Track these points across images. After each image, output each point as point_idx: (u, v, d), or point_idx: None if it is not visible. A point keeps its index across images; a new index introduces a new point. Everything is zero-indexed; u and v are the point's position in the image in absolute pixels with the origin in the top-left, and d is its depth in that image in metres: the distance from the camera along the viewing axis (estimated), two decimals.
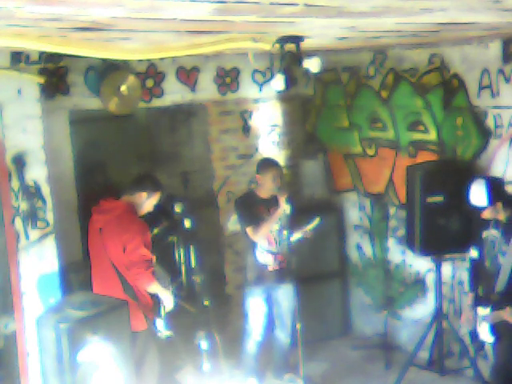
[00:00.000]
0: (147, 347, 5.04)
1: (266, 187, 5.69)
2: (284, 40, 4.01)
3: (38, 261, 4.68)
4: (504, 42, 5.33)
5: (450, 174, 5.63)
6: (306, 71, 4.27)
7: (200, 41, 4.02)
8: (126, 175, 5.91)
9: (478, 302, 4.89)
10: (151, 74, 6.17)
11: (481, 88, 5.59)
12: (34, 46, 3.63)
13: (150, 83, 6.17)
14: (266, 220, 5.59)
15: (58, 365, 4.16)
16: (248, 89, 6.80)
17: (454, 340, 6.00)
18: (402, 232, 6.41)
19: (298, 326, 5.50)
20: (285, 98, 6.98)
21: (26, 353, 4.66)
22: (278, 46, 4.05)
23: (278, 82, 4.27)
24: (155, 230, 5.81)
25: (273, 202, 5.61)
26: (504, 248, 4.70)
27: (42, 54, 4.46)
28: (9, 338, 4.69)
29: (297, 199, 6.17)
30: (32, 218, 4.62)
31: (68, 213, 5.56)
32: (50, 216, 4.73)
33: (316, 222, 5.73)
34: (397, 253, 6.68)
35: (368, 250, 7.06)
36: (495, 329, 4.72)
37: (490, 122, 5.58)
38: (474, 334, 4.97)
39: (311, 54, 4.28)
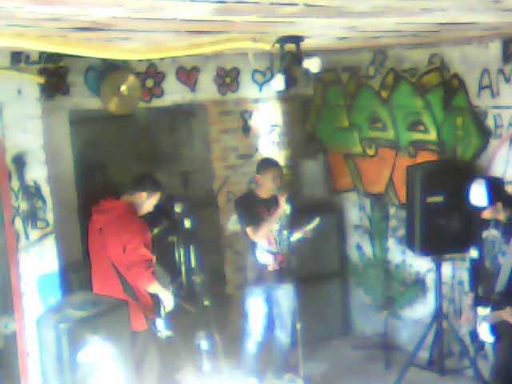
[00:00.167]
0: (147, 347, 5.04)
1: (266, 187, 5.69)
2: (284, 40, 4.01)
3: (38, 261, 4.68)
4: (504, 42, 5.33)
5: (450, 173, 5.63)
6: (306, 71, 4.27)
7: (200, 41, 4.02)
8: (126, 175, 5.90)
9: (478, 302, 4.89)
10: (151, 74, 6.18)
11: (481, 88, 5.59)
12: (34, 46, 3.63)
13: (149, 83, 6.17)
14: (265, 220, 5.59)
15: (58, 365, 4.16)
16: (248, 89, 6.80)
17: (453, 340, 6.00)
18: (401, 232, 6.41)
19: (298, 326, 5.50)
20: (285, 98, 6.98)
21: (25, 353, 4.66)
22: (277, 46, 4.05)
23: (278, 82, 4.27)
24: (155, 230, 5.82)
25: (273, 202, 5.61)
26: (504, 248, 4.70)
27: (42, 54, 4.46)
28: (9, 338, 4.69)
29: (297, 199, 6.17)
30: (32, 218, 4.62)
31: (68, 213, 5.56)
32: (50, 216, 4.73)
33: (316, 221, 5.73)
34: (397, 253, 6.68)
35: (368, 250, 7.06)
36: (495, 329, 4.72)
37: (490, 122, 5.58)
38: (473, 334, 4.97)
39: (311, 53, 4.28)
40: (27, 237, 4.62)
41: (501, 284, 4.69)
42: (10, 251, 4.58)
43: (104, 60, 5.39)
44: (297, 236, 5.75)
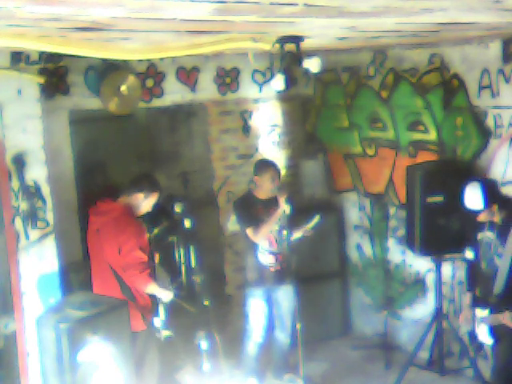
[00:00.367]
0: (147, 347, 5.04)
1: (265, 188, 5.69)
2: (284, 40, 4.00)
3: (38, 261, 4.68)
4: (504, 42, 5.33)
5: (450, 174, 5.62)
6: (306, 71, 4.27)
7: (200, 41, 4.02)
8: (126, 175, 5.90)
9: (476, 303, 4.89)
10: (151, 74, 6.17)
11: (481, 88, 5.59)
12: (34, 46, 3.63)
13: (149, 83, 6.17)
14: (265, 221, 5.59)
15: (58, 365, 4.16)
16: (248, 89, 6.80)
17: (453, 340, 6.00)
18: (401, 232, 6.41)
19: (298, 326, 5.50)
20: (285, 98, 6.98)
21: (25, 353, 4.65)
22: (277, 46, 4.04)
23: (278, 82, 4.27)
24: (155, 230, 5.81)
25: (272, 203, 5.60)
26: (500, 250, 4.69)
27: (42, 54, 4.46)
28: (9, 338, 4.69)
29: (297, 199, 6.17)
30: (32, 218, 4.62)
31: (68, 213, 5.56)
32: (50, 216, 4.73)
33: (316, 220, 5.72)
34: (397, 253, 6.68)
35: (368, 250, 7.05)
36: (494, 331, 4.72)
37: (490, 122, 5.58)
38: (472, 335, 4.97)
39: (311, 53, 4.28)
40: (27, 237, 4.61)
41: (498, 286, 4.68)
42: (10, 251, 4.57)
43: (104, 60, 5.39)
44: (297, 235, 5.75)
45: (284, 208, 5.52)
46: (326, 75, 6.88)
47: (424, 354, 6.10)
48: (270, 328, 5.96)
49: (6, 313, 4.67)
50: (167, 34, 3.58)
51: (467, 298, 5.13)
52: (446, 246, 5.61)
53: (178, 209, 5.63)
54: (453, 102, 5.87)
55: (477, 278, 4.99)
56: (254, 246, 5.70)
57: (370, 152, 6.84)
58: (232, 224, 6.49)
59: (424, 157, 6.18)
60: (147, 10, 2.60)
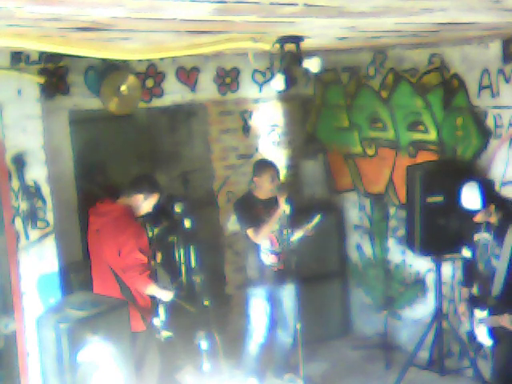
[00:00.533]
0: (147, 348, 5.04)
1: (265, 188, 5.69)
2: (284, 40, 4.00)
3: (38, 261, 4.68)
4: (504, 41, 5.33)
5: (450, 174, 5.62)
6: (306, 71, 4.27)
7: (200, 41, 4.02)
8: (126, 175, 5.90)
9: (475, 304, 4.88)
10: (151, 74, 6.17)
11: (481, 88, 5.59)
12: (34, 46, 3.63)
13: (150, 83, 6.17)
14: (265, 221, 5.59)
15: (58, 365, 4.16)
16: (248, 89, 6.80)
17: (453, 340, 6.00)
18: (401, 232, 6.41)
19: (298, 326, 5.51)
20: (285, 98, 6.98)
21: (26, 353, 4.66)
22: (277, 46, 4.04)
23: (278, 82, 4.27)
24: (155, 230, 5.81)
25: (272, 203, 5.60)
26: (497, 251, 4.69)
27: (42, 54, 4.46)
28: (9, 338, 4.69)
29: (297, 199, 6.17)
30: (32, 218, 4.62)
31: (68, 213, 5.56)
32: (50, 216, 4.73)
33: (317, 219, 5.72)
34: (397, 253, 6.68)
35: (368, 250, 7.05)
36: (493, 332, 4.71)
37: (490, 122, 5.58)
38: (472, 335, 4.97)
39: (311, 53, 4.28)
40: (27, 237, 4.62)
41: (496, 288, 4.68)
42: (10, 251, 4.58)
43: (104, 60, 5.39)
44: (298, 234, 5.75)
45: (284, 208, 5.52)
46: (326, 75, 6.88)
47: (424, 354, 6.09)
48: (272, 328, 5.96)
49: (6, 313, 4.67)
50: (167, 33, 3.58)
51: (463, 293, 5.13)
52: (445, 245, 5.61)
53: (177, 209, 5.63)
54: (453, 102, 5.87)
55: (474, 278, 4.98)
56: (255, 246, 5.70)
57: (370, 152, 6.84)
58: (232, 224, 6.49)
59: (424, 157, 6.18)
60: (147, 9, 2.60)
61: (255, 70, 6.70)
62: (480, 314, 4.75)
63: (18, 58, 4.40)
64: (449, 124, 5.95)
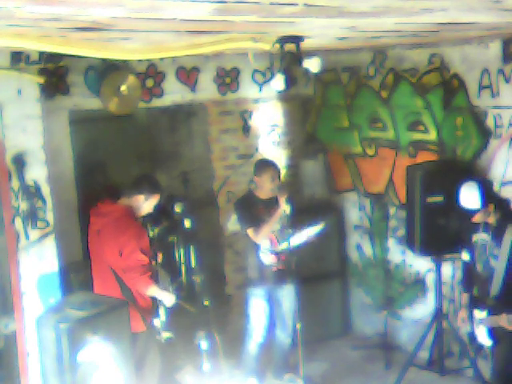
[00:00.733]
0: (148, 348, 5.03)
1: (265, 188, 5.69)
2: (284, 40, 4.00)
3: (38, 261, 4.68)
4: (504, 41, 5.33)
5: (450, 173, 5.61)
6: (306, 71, 4.27)
7: (200, 41, 4.02)
8: (126, 175, 5.90)
9: (475, 304, 4.88)
10: (151, 74, 6.18)
11: (481, 88, 5.59)
12: (34, 46, 3.63)
13: (149, 83, 6.17)
14: (266, 221, 5.59)
15: (58, 365, 4.16)
16: (248, 89, 6.80)
17: (453, 340, 6.00)
18: (401, 232, 6.41)
19: (298, 326, 5.50)
20: (285, 98, 6.98)
21: (25, 353, 4.66)
22: (277, 46, 4.05)
23: (278, 82, 4.27)
24: (155, 230, 5.81)
25: (272, 203, 5.60)
26: (496, 252, 4.68)
27: (42, 54, 4.46)
28: (9, 338, 4.69)
29: (297, 199, 6.17)
30: (32, 218, 4.62)
31: (68, 213, 5.56)
32: (50, 216, 4.73)
33: (320, 227, 5.71)
34: (397, 253, 6.68)
35: (368, 250, 7.05)
36: (493, 332, 4.71)
37: (490, 122, 5.58)
38: (472, 336, 4.96)
39: (311, 53, 4.28)
40: (27, 237, 4.62)
41: (495, 288, 4.67)
42: (10, 251, 4.58)
43: (104, 60, 5.39)
44: (299, 239, 5.72)
45: (284, 208, 5.51)
46: (326, 75, 6.88)
47: (424, 354, 6.09)
48: (271, 328, 5.96)
49: (6, 313, 4.67)
50: (167, 33, 3.58)
51: (463, 299, 5.13)
52: (445, 246, 5.60)
53: (178, 209, 5.63)
54: (453, 102, 5.87)
55: (473, 279, 4.98)
56: (255, 246, 5.70)
57: (370, 152, 6.84)
58: (232, 224, 6.49)
59: (424, 157, 6.18)
60: (147, 9, 2.60)
61: (255, 70, 6.70)
62: (479, 314, 4.75)
63: (18, 58, 4.39)
64: (449, 124, 5.95)
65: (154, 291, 4.98)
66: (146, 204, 5.07)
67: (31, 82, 4.61)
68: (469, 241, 4.91)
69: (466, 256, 5.00)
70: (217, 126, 6.81)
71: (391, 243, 6.74)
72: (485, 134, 5.63)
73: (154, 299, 5.04)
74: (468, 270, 5.05)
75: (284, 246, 5.62)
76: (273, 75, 4.33)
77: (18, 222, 4.58)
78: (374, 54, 6.50)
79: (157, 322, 5.05)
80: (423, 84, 6.08)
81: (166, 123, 7.73)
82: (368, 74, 6.65)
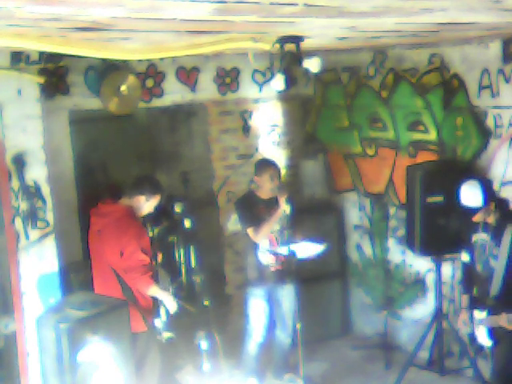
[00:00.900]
0: (148, 348, 5.03)
1: (265, 188, 5.69)
2: (284, 40, 4.00)
3: (38, 261, 4.68)
4: (504, 42, 5.33)
5: (450, 173, 5.61)
6: (306, 71, 4.27)
7: (200, 41, 4.02)
8: (126, 175, 5.90)
9: (474, 305, 4.88)
10: (151, 74, 6.18)
11: (481, 88, 5.59)
12: (34, 46, 3.63)
13: (149, 83, 6.17)
14: (266, 221, 5.59)
15: (57, 365, 4.16)
16: (248, 89, 6.80)
17: (453, 340, 5.99)
18: (401, 232, 6.41)
19: (298, 326, 5.50)
20: (285, 97, 6.98)
21: (26, 353, 4.66)
22: (277, 46, 4.05)
23: (278, 82, 4.27)
24: (155, 230, 5.81)
25: (273, 203, 5.60)
26: (495, 251, 4.68)
27: (42, 54, 4.46)
28: (9, 338, 4.69)
29: (297, 199, 6.17)
30: (32, 218, 4.62)
31: (68, 213, 5.56)
32: (50, 216, 4.73)
33: (322, 247, 5.71)
34: (397, 253, 6.68)
35: (368, 250, 7.05)
36: (493, 333, 4.71)
37: (490, 122, 5.58)
38: (472, 337, 4.96)
39: (311, 53, 4.28)
40: (27, 237, 4.62)
41: (495, 288, 4.67)
42: (10, 251, 4.58)
43: (104, 60, 5.39)
44: (301, 253, 5.69)
45: (284, 208, 5.52)
46: (326, 75, 6.88)
47: (424, 354, 6.09)
48: (271, 328, 5.96)
49: (6, 313, 4.67)
50: (167, 33, 3.58)
51: (463, 301, 5.12)
52: (445, 246, 5.60)
53: (178, 209, 5.64)
54: (453, 102, 5.87)
55: (473, 280, 4.98)
56: (254, 246, 5.70)
57: (370, 152, 6.84)
58: (232, 224, 6.50)
59: (424, 157, 6.18)
60: (147, 9, 2.60)
61: (255, 70, 6.70)
62: (479, 314, 4.74)
63: (18, 58, 4.39)
64: (449, 124, 5.95)
65: (155, 291, 4.98)
66: (147, 204, 5.07)
67: (31, 82, 4.61)
68: (468, 241, 4.91)
69: (465, 257, 5.00)
70: (217, 126, 6.81)
71: (391, 243, 6.74)
72: (485, 134, 5.63)
73: (154, 299, 5.04)
74: (468, 270, 5.04)
75: (284, 250, 5.61)
76: (273, 75, 4.33)
77: (18, 222, 4.58)
78: (374, 54, 6.50)
79: (158, 322, 5.05)
80: (423, 84, 6.08)
81: (165, 123, 7.72)
82: (368, 74, 6.65)
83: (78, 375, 4.17)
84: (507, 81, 5.37)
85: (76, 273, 5.43)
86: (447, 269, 6.04)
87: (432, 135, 6.13)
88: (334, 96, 7.12)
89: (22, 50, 4.24)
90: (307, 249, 5.67)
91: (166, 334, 5.07)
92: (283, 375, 6.13)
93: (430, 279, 6.28)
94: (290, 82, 4.24)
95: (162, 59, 6.02)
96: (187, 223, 5.62)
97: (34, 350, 4.57)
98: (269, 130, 7.06)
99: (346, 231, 7.23)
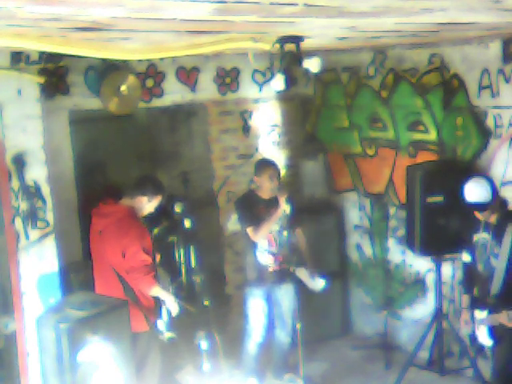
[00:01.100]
0: (149, 348, 5.03)
1: (265, 188, 5.69)
2: (284, 40, 4.00)
3: (38, 261, 4.68)
4: (504, 41, 5.33)
5: (450, 173, 5.62)
6: (306, 71, 4.27)
7: (200, 41, 4.02)
8: (126, 175, 5.90)
9: (475, 304, 4.88)
10: (151, 74, 6.17)
11: (481, 88, 5.59)
12: (34, 46, 3.63)
13: (149, 83, 6.17)
14: (266, 220, 5.59)
15: (57, 365, 4.16)
16: (248, 89, 6.80)
17: (454, 340, 5.99)
18: (401, 232, 6.41)
19: (298, 325, 5.51)
20: (285, 97, 6.98)
21: (26, 353, 4.66)
22: (277, 46, 4.04)
23: (278, 82, 4.27)
24: (155, 230, 5.81)
25: (273, 203, 5.61)
26: (496, 250, 4.68)
27: (42, 54, 4.46)
28: (9, 338, 4.69)
29: (297, 199, 6.17)
30: (32, 218, 4.62)
31: (68, 213, 5.55)
32: (50, 216, 4.73)
33: (323, 284, 5.80)
34: (397, 253, 6.68)
35: (368, 250, 7.05)
36: (494, 332, 4.71)
37: (490, 122, 5.58)
38: (473, 337, 4.96)
39: (311, 53, 4.28)
40: (27, 237, 4.61)
41: (495, 287, 4.67)
42: (10, 251, 4.58)
43: (104, 60, 5.39)
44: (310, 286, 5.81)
45: (284, 208, 5.52)
46: (326, 75, 6.88)
47: (424, 354, 6.09)
48: (270, 327, 5.96)
49: (6, 313, 4.67)
50: (167, 33, 3.58)
51: (464, 301, 5.12)
52: (445, 246, 5.61)
53: (178, 209, 5.64)
54: (453, 102, 5.87)
55: (474, 279, 4.98)
56: (253, 245, 5.71)
57: (370, 152, 6.84)
58: (232, 224, 6.50)
59: (424, 157, 6.18)
60: (147, 9, 2.60)
61: (255, 70, 6.70)
62: (480, 314, 4.74)
63: (18, 58, 4.39)
64: (449, 124, 5.95)
65: (157, 291, 4.98)
66: (149, 205, 5.07)
67: (31, 82, 4.61)
68: (470, 241, 4.91)
69: (466, 257, 5.00)
70: (217, 126, 6.81)
71: (391, 243, 6.74)
72: (485, 134, 5.63)
73: (156, 299, 5.04)
74: (469, 271, 5.05)
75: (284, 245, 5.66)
76: (273, 75, 4.33)
77: (18, 222, 4.58)
78: (374, 54, 6.50)
79: (160, 322, 5.05)
80: (423, 84, 6.08)
81: (165, 123, 7.73)
82: (368, 74, 6.65)
83: (78, 375, 4.17)
84: (507, 81, 5.37)
85: (76, 273, 5.43)
86: (447, 269, 6.04)
87: (432, 135, 6.13)
88: (333, 96, 7.12)
89: (22, 49, 4.24)
90: (310, 282, 5.79)
91: (168, 334, 5.07)
92: (283, 375, 6.13)
93: (430, 279, 6.28)
94: (290, 81, 4.24)
95: (162, 59, 6.02)
96: (187, 223, 5.62)
97: (34, 350, 4.57)
98: (269, 130, 7.06)
99: (345, 231, 7.23)
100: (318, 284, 5.83)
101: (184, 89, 6.41)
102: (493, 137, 5.57)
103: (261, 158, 6.48)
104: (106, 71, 5.64)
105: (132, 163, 7.33)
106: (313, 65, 4.23)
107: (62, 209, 5.21)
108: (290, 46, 4.09)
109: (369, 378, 6.25)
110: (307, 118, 7.43)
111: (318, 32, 4.00)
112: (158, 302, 5.05)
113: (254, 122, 6.95)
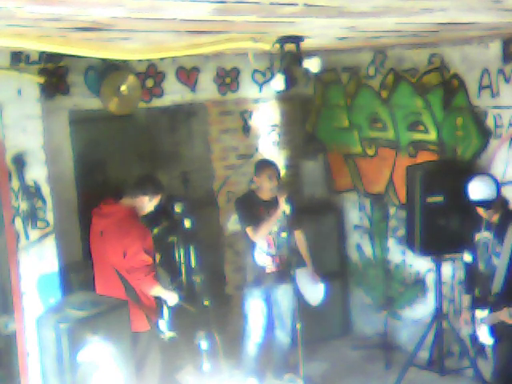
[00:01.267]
0: (150, 348, 5.03)
1: (265, 188, 5.69)
2: (284, 40, 4.01)
3: (38, 261, 4.68)
4: (504, 42, 5.33)
5: (450, 173, 5.62)
6: (306, 71, 4.27)
7: (200, 41, 4.02)
8: (127, 175, 5.91)
9: (476, 304, 4.88)
10: (151, 74, 6.17)
11: (481, 88, 5.59)
12: (34, 46, 3.63)
13: (149, 83, 6.17)
14: (266, 220, 5.59)
15: (57, 365, 4.16)
16: (248, 89, 6.80)
17: (454, 340, 5.99)
18: (401, 232, 6.41)
19: (298, 326, 5.50)
20: (285, 98, 6.98)
21: (26, 353, 4.66)
22: (277, 46, 4.05)
23: (278, 82, 4.27)
24: (155, 230, 5.81)
25: (273, 203, 5.60)
26: (498, 249, 4.69)
27: (41, 54, 4.46)
28: (9, 338, 4.69)
29: (297, 199, 6.17)
30: (32, 218, 4.62)
31: (68, 213, 5.55)
32: (50, 216, 4.73)
33: (322, 294, 5.90)
34: (397, 253, 6.68)
35: (368, 250, 7.05)
36: (494, 331, 4.71)
37: (490, 122, 5.58)
38: (473, 337, 4.96)
39: (311, 53, 4.28)
40: (27, 237, 4.61)
41: (496, 286, 4.68)
42: (10, 251, 4.58)
43: (104, 60, 5.39)
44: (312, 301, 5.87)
45: (284, 208, 5.52)
46: (326, 75, 6.88)
47: (424, 354, 6.09)
48: (270, 328, 5.96)
49: (6, 313, 4.67)
50: (167, 33, 3.58)
51: (465, 301, 5.12)
52: (446, 246, 5.61)
53: (178, 209, 5.63)
54: (453, 102, 5.87)
55: (475, 279, 4.98)
56: (251, 246, 5.71)
57: (370, 152, 6.84)
58: (232, 224, 6.50)
59: (424, 157, 6.18)
60: (147, 10, 2.60)
61: (255, 70, 6.70)
62: (481, 313, 4.75)
63: (18, 58, 4.39)
64: (449, 124, 5.95)
65: (158, 291, 4.98)
66: (150, 204, 5.07)
67: (31, 82, 4.61)
68: (471, 240, 4.91)
69: (468, 257, 5.00)
70: (217, 126, 6.81)
71: (391, 243, 6.74)
72: (485, 134, 5.63)
73: (157, 299, 5.04)
74: (470, 271, 5.05)
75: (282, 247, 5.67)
76: (273, 75, 4.33)
77: (18, 222, 4.58)
78: (374, 53, 6.50)
79: (161, 322, 5.05)
80: (423, 84, 6.08)
81: (165, 123, 7.73)
82: (368, 74, 6.65)
83: (78, 375, 4.17)
84: (507, 81, 5.37)
85: (76, 273, 5.43)
86: (447, 269, 6.04)
87: (432, 135, 6.13)
88: (333, 96, 7.12)
89: (22, 49, 4.24)
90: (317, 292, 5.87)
91: (169, 334, 5.07)
92: (283, 375, 6.13)
93: (430, 279, 6.28)
94: (289, 82, 4.24)
95: (162, 59, 6.02)
96: (187, 223, 5.61)
97: (34, 350, 4.57)
98: (269, 130, 7.06)
99: (345, 231, 7.23)
100: (317, 293, 5.85)
101: (184, 89, 6.41)
102: (493, 137, 5.57)
103: (261, 158, 6.49)
104: (106, 71, 5.64)
105: (132, 163, 7.33)
106: (313, 65, 4.23)
107: (62, 209, 5.21)
108: (289, 46, 4.09)
109: (369, 378, 6.25)
110: (307, 117, 7.44)
111: (318, 32, 4.01)
112: (159, 302, 5.04)
113: (254, 122, 6.95)
